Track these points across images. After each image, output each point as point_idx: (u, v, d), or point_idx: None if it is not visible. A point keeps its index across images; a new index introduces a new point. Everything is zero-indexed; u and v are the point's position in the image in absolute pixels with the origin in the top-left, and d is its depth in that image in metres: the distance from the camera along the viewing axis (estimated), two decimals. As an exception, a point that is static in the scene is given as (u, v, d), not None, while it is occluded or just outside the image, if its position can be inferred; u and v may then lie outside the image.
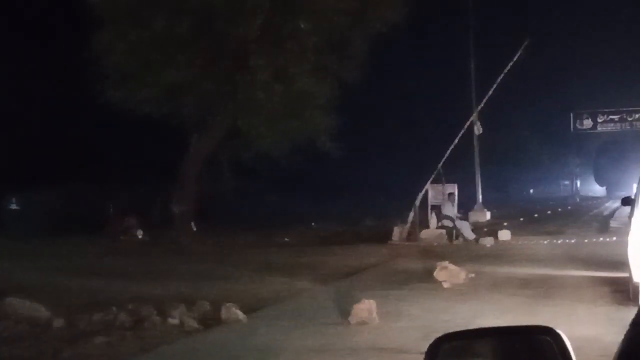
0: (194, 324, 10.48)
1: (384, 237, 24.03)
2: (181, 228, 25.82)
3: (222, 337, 9.81)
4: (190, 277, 15.26)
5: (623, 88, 53.01)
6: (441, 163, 25.82)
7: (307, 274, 15.86)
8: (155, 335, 9.92)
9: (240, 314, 10.82)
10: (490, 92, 27.79)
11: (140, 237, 26.68)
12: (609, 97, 53.05)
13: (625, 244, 11.66)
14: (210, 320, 10.71)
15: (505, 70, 27.27)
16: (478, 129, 29.47)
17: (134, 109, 24.07)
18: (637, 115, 50.09)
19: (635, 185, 16.03)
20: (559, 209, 42.39)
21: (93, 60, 22.93)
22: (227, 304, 11.01)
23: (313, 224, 31.03)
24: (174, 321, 10.53)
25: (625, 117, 50.38)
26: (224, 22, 23.62)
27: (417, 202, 25.19)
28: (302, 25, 24.27)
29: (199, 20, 23.58)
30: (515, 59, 27.07)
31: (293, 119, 25.23)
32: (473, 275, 14.43)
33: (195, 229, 26.18)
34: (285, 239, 25.85)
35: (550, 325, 1.74)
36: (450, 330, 1.99)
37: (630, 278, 11.09)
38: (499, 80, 27.34)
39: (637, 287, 10.49)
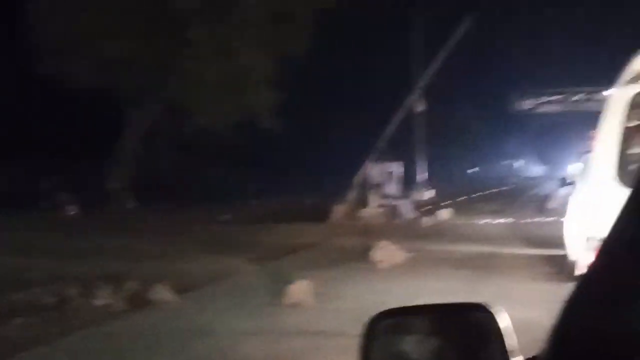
0: (121, 305, 10.07)
1: (324, 215, 23.78)
2: (117, 204, 25.20)
3: (149, 319, 9.44)
4: (123, 256, 14.70)
5: (566, 68, 53.49)
6: (382, 141, 25.66)
7: (244, 253, 15.49)
8: (78, 316, 9.48)
9: (171, 295, 10.45)
10: (432, 69, 27.65)
11: (73, 213, 25.83)
12: (552, 77, 53.49)
13: (562, 224, 12.01)
14: (139, 301, 10.30)
15: (447, 48, 27.14)
16: (419, 106, 29.31)
17: (70, 82, 23.28)
18: (578, 97, 50.57)
19: (570, 167, 16.43)
20: (500, 189, 42.74)
21: (27, 30, 22.12)
22: (158, 284, 10.63)
23: (253, 201, 30.65)
24: (99, 302, 10.11)
25: (567, 98, 50.84)
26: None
27: (358, 180, 25.02)
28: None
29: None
30: (457, 36, 26.95)
31: (235, 93, 24.74)
32: (412, 254, 14.26)
33: (132, 206, 25.58)
34: (224, 216, 25.40)
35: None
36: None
37: (566, 256, 11.32)
38: (440, 57, 27.21)
39: (573, 264, 10.31)
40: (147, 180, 27.42)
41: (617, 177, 5.20)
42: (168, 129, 28.23)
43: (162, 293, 10.40)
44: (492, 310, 1.63)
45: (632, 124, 5.56)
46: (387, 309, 1.84)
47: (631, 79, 5.61)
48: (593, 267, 0.98)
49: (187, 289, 11.24)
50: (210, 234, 19.45)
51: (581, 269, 5.55)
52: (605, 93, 6.05)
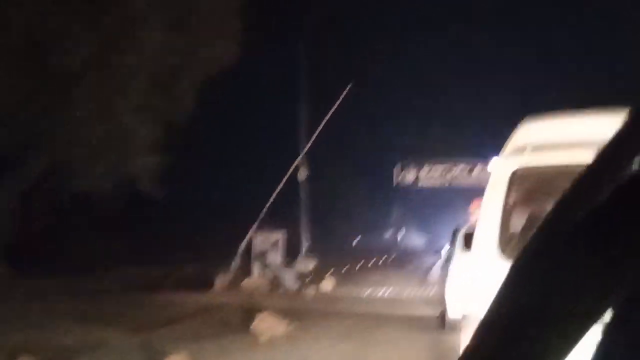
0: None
1: (206, 284, 23.26)
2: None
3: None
4: (-13, 325, 13.80)
5: (447, 142, 55.23)
6: (264, 210, 25.48)
7: (121, 323, 14.81)
8: None
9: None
10: (314, 136, 27.76)
11: None
12: (432, 150, 55.10)
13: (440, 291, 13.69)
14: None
15: (329, 115, 27.34)
16: (302, 174, 29.25)
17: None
18: (457, 170, 52.06)
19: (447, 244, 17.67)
20: (383, 259, 43.13)
21: None
22: (24, 356, 9.96)
23: (132, 268, 29.69)
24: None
25: (445, 172, 52.26)
26: (47, 51, 22.31)
27: (241, 249, 24.68)
28: (128, 61, 23.37)
29: (19, 46, 22.16)
30: (338, 103, 27.24)
31: (114, 157, 24.11)
32: (292, 326, 13.97)
33: (1, 270, 24.30)
34: (102, 284, 24.45)
35: None
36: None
37: (446, 314, 13.95)
38: (322, 123, 27.38)
39: (453, 322, 12.44)
40: (21, 242, 26.19)
41: (500, 252, 5.07)
42: (47, 190, 27.15)
43: (26, 367, 9.74)
44: None
45: (514, 198, 5.54)
46: None
47: (513, 151, 5.55)
48: (469, 349, 0.92)
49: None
50: (86, 303, 18.56)
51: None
52: (489, 165, 5.84)
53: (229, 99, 32.78)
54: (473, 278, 5.24)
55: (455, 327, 11.92)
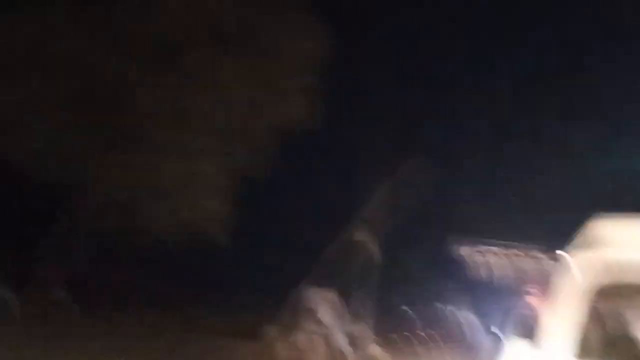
0: None
1: (255, 334, 23.15)
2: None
3: None
4: None
5: (507, 222, 54.81)
6: (321, 266, 25.36)
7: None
8: None
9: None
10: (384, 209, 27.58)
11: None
12: (492, 229, 54.59)
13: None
14: None
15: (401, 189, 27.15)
16: (364, 241, 29.11)
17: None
18: (515, 251, 51.29)
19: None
20: (432, 330, 42.24)
21: None
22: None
23: (189, 310, 29.67)
24: None
25: (504, 251, 51.52)
26: (123, 92, 22.75)
27: (294, 303, 24.56)
28: (209, 108, 23.69)
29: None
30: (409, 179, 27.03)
31: (183, 199, 24.32)
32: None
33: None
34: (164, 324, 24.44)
35: None
36: None
37: None
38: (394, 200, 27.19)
39: None
40: (88, 278, 26.32)
41: (575, 353, 4.95)
42: (113, 227, 27.35)
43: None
44: None
45: (586, 296, 5.44)
46: None
47: (586, 247, 5.56)
48: None
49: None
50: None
51: None
52: (559, 256, 5.92)
53: (307, 158, 32.88)
54: None
55: None
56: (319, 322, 24.30)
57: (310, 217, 41.86)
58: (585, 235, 5.78)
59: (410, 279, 57.56)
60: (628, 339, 5.96)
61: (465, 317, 57.49)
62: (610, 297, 6.14)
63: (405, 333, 36.98)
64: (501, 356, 14.82)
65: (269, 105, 24.53)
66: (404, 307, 57.36)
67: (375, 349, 23.69)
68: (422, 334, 40.22)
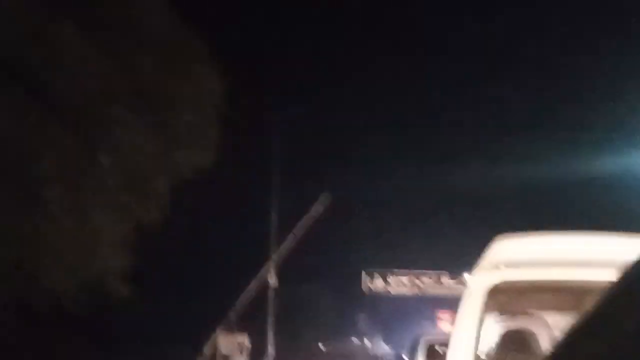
0: None
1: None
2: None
3: None
4: None
5: (415, 251, 56.23)
6: (233, 311, 25.34)
7: None
8: None
9: None
10: (289, 246, 27.88)
11: None
12: (401, 259, 55.73)
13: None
14: None
15: (301, 226, 27.54)
16: (273, 279, 29.21)
17: None
18: (423, 278, 52.34)
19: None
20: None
21: None
22: None
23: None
24: None
25: (413, 279, 52.49)
26: (16, 152, 22.43)
27: (207, 351, 24.42)
28: (103, 161, 23.57)
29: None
30: (313, 214, 27.49)
31: (82, 256, 23.96)
32: None
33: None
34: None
35: None
36: None
37: None
38: (298, 236, 27.54)
39: None
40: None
41: None
42: (12, 292, 26.72)
43: None
44: None
45: (488, 313, 5.93)
46: None
47: (487, 267, 5.82)
48: None
49: None
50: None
51: None
52: (465, 279, 6.32)
53: (202, 204, 32.93)
54: None
55: None
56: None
57: (216, 262, 41.99)
58: (487, 256, 6.08)
59: (322, 315, 58.00)
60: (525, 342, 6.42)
61: (379, 347, 58.08)
62: (512, 313, 7.06)
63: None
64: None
65: (164, 156, 24.55)
66: (319, 344, 57.70)
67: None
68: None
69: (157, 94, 24.33)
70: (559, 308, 7.16)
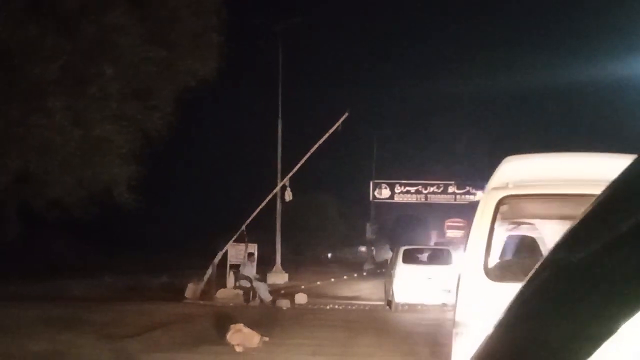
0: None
1: (180, 294, 23.14)
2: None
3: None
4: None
5: (421, 163, 56.73)
6: (246, 224, 25.36)
7: (92, 331, 14.67)
8: None
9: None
10: (302, 161, 27.57)
11: None
12: (408, 170, 56.03)
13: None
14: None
15: (321, 141, 27.15)
16: (289, 196, 28.92)
17: None
18: (431, 189, 52.49)
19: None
20: (355, 274, 43.13)
21: None
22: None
23: (106, 277, 29.48)
24: None
25: (420, 189, 52.63)
26: (20, 60, 22.11)
27: (216, 260, 24.57)
28: (106, 70, 23.23)
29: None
30: (332, 130, 27.01)
31: (89, 166, 23.89)
32: (267, 339, 13.89)
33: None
34: (75, 292, 24.24)
35: None
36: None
37: (393, 301, 21.25)
38: (312, 149, 27.20)
39: (398, 304, 21.16)
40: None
41: (484, 273, 6.02)
42: (18, 200, 26.86)
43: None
44: None
45: (498, 222, 6.62)
46: None
47: (499, 185, 6.53)
48: None
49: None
50: (58, 310, 18.33)
51: None
52: (475, 197, 6.97)
53: (208, 112, 32.72)
54: (463, 291, 6.23)
55: (397, 307, 21.15)
56: (242, 277, 24.34)
57: (229, 174, 42.06)
58: (497, 174, 6.77)
59: (331, 225, 58.33)
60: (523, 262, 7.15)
61: (385, 254, 58.50)
62: (516, 223, 7.81)
63: (330, 277, 37.79)
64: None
65: (170, 64, 24.24)
66: (328, 253, 58.22)
67: (301, 297, 23.93)
68: (347, 275, 41.18)
69: (157, 2, 23.87)
70: (557, 217, 8.00)
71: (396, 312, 20.90)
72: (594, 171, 5.92)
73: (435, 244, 43.77)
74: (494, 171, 7.00)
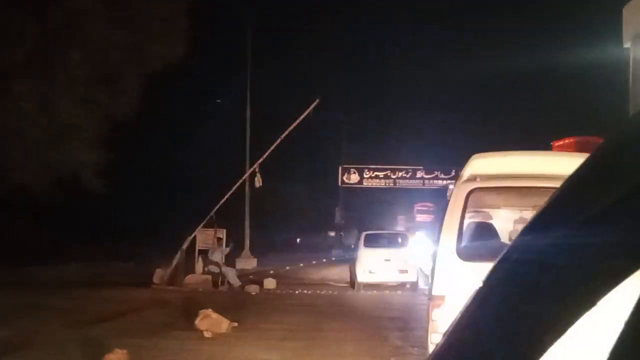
0: None
1: (147, 280, 23.03)
2: None
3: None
4: None
5: (389, 148, 56.89)
6: (215, 209, 25.25)
7: (58, 318, 14.58)
8: None
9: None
10: (272, 147, 27.43)
11: None
12: (377, 156, 56.21)
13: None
14: None
15: (291, 128, 27.03)
16: (258, 182, 28.76)
17: None
18: (400, 174, 52.63)
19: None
20: (324, 259, 43.27)
21: None
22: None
23: (73, 263, 29.22)
24: None
25: (389, 174, 52.75)
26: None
27: (185, 246, 24.48)
28: (73, 55, 23.00)
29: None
30: (303, 117, 26.87)
31: (56, 151, 23.67)
32: (236, 324, 13.89)
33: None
34: (40, 278, 23.99)
35: None
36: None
37: (355, 280, 23.48)
38: (283, 136, 27.07)
39: (360, 283, 23.30)
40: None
41: (457, 253, 7.12)
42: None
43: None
44: None
45: (467, 213, 7.81)
46: None
47: (468, 179, 7.68)
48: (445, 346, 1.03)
49: (-9, 356, 10.33)
50: (24, 296, 18.15)
51: None
52: (450, 187, 8.57)
53: (176, 97, 32.46)
54: (439, 269, 7.25)
55: (360, 287, 23.22)
56: (211, 262, 24.27)
57: (198, 158, 41.79)
58: (466, 170, 7.92)
59: (300, 211, 58.33)
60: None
61: (352, 238, 58.83)
62: (475, 213, 9.14)
63: (298, 262, 37.84)
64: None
65: (138, 49, 24.05)
66: (297, 240, 58.39)
67: (270, 282, 23.92)
68: (315, 260, 41.31)
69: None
70: (516, 206, 9.61)
71: (359, 291, 23.09)
72: (547, 168, 7.27)
73: (407, 228, 44.16)
74: (462, 156, 8.30)
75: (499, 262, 0.98)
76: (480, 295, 0.99)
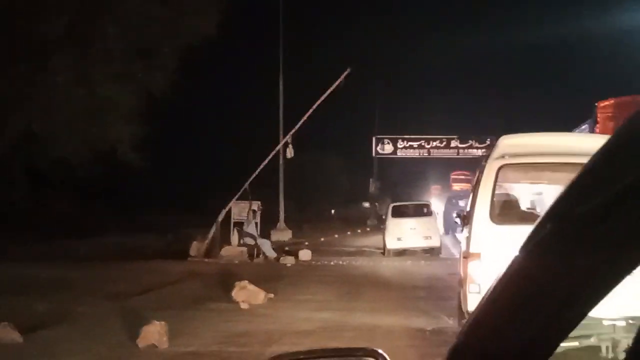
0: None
1: (184, 252, 23.30)
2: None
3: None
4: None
5: (423, 118, 56.57)
6: (249, 181, 25.40)
7: (98, 290, 14.88)
8: None
9: (17, 335, 9.82)
10: (305, 118, 27.48)
11: None
12: (410, 126, 56.00)
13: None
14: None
15: (324, 97, 27.04)
16: (290, 152, 28.89)
17: None
18: (434, 143, 52.40)
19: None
20: (359, 230, 43.35)
21: None
22: (2, 323, 9.97)
23: (112, 237, 29.66)
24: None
25: (423, 144, 52.54)
26: (24, 19, 22.00)
27: (220, 218, 24.68)
28: (110, 30, 23.16)
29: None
30: (335, 86, 26.84)
31: (94, 125, 23.92)
32: (272, 295, 14.08)
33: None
34: (80, 252, 24.41)
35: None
36: (245, 357, 1.91)
37: (385, 248, 25.79)
38: (315, 106, 27.10)
39: (389, 250, 25.53)
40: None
41: (490, 218, 8.31)
42: (23, 159, 26.90)
43: (5, 333, 9.76)
44: (380, 354, 1.76)
45: (498, 187, 8.76)
46: (277, 354, 1.85)
47: (498, 157, 8.62)
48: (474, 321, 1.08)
49: (34, 328, 10.59)
50: (64, 269, 18.51)
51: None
52: (482, 164, 9.16)
53: (211, 70, 32.57)
54: (476, 231, 8.40)
55: (389, 252, 25.46)
56: (247, 234, 24.47)
57: (234, 132, 42.03)
58: (496, 149, 8.90)
59: (335, 182, 58.38)
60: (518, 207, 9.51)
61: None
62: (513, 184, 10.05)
63: (334, 233, 37.97)
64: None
65: (173, 22, 24.13)
66: (331, 210, 58.56)
67: (305, 254, 24.05)
68: (350, 230, 41.44)
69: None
70: (536, 180, 10.40)
71: (389, 256, 25.36)
72: (570, 146, 8.19)
73: (449, 198, 44.42)
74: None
75: (535, 230, 0.99)
76: (517, 260, 1.01)
